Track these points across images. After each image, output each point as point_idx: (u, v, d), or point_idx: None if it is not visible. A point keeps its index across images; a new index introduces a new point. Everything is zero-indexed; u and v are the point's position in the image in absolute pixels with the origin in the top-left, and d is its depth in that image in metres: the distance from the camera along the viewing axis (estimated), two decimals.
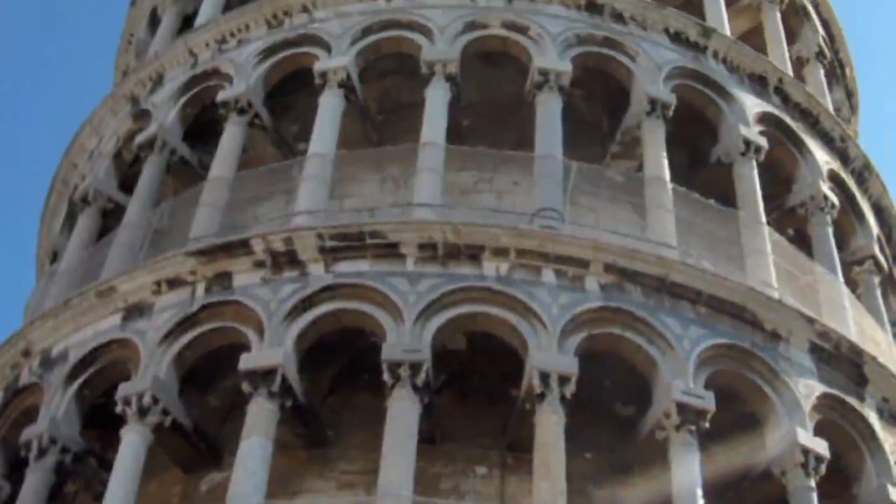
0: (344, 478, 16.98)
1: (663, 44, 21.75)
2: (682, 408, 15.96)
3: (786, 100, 22.22)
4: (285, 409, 16.04)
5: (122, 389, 16.51)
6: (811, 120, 22.36)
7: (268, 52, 21.58)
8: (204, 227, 18.59)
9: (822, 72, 25.58)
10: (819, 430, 16.82)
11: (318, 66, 20.62)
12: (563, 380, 15.78)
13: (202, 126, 21.46)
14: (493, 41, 21.18)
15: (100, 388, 17.33)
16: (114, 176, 22.01)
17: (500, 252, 17.02)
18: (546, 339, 16.19)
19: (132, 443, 16.11)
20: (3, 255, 57.15)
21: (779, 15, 25.20)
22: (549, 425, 15.51)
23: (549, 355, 16.01)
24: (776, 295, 17.91)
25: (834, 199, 21.31)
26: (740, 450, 17.21)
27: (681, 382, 16.16)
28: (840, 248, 21.01)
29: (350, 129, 20.30)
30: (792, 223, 21.10)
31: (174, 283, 17.55)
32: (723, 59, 22.02)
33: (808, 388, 17.12)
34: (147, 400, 16.28)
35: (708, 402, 16.14)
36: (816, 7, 26.69)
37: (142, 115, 22.18)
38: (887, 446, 17.46)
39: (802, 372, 17.31)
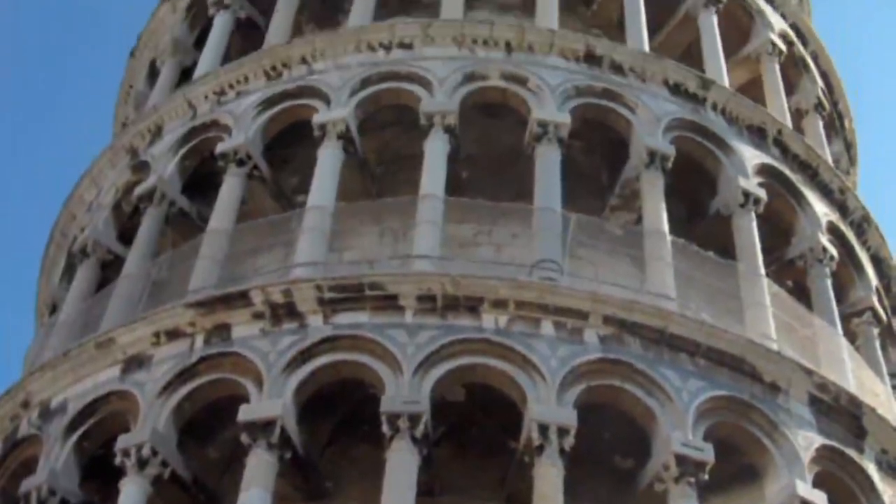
0: None
1: (662, 95, 22.09)
2: (681, 460, 16.23)
3: (785, 151, 22.59)
4: (284, 460, 16.33)
5: (122, 441, 16.80)
6: (810, 172, 22.74)
7: (267, 103, 21.93)
8: (203, 279, 18.94)
9: (821, 123, 25.95)
10: (818, 482, 17.07)
11: (317, 118, 20.99)
12: (563, 432, 16.08)
13: (201, 178, 21.85)
14: (493, 93, 21.59)
15: (99, 440, 17.60)
16: (113, 227, 22.38)
17: (499, 304, 17.35)
18: (545, 391, 16.48)
19: (131, 494, 16.38)
20: (2, 306, 57.48)
21: (778, 67, 25.55)
22: (549, 478, 15.79)
23: (548, 407, 16.30)
24: (775, 347, 18.23)
25: (833, 251, 21.67)
26: (740, 502, 17.54)
27: (680, 434, 16.44)
28: (839, 299, 21.36)
29: (349, 181, 20.66)
30: (791, 275, 21.46)
31: (173, 334, 17.86)
32: (722, 110, 22.38)
33: (808, 440, 17.39)
34: (146, 452, 16.57)
35: (707, 453, 16.42)
36: (815, 59, 27.08)
37: (141, 167, 22.56)
38: (886, 498, 17.70)
39: (801, 424, 17.58)
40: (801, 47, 26.83)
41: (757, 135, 22.47)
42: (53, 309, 22.58)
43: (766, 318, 18.99)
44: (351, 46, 22.37)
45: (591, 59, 22.17)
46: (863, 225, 23.21)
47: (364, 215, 20.34)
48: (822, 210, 22.24)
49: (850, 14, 66.20)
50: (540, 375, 16.66)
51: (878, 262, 23.29)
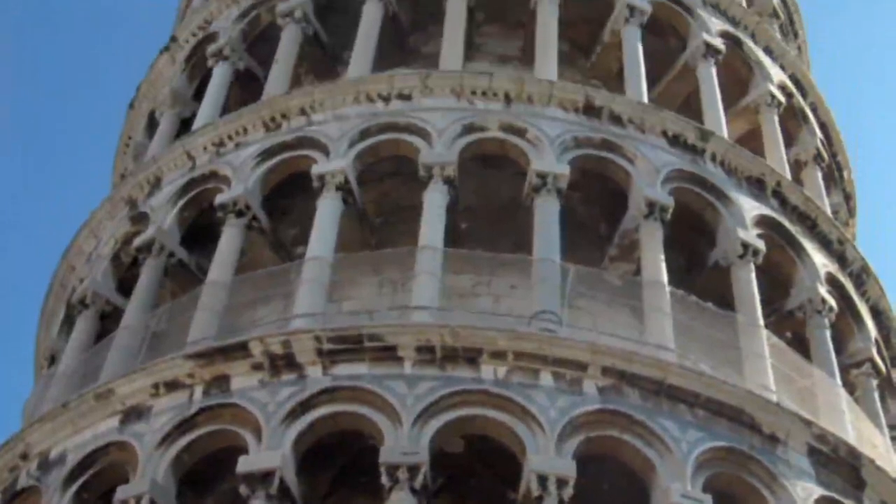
0: None
1: (661, 146, 22.34)
2: None
3: (784, 203, 22.87)
4: None
5: (121, 492, 17.00)
6: (809, 223, 23.01)
7: (266, 154, 22.20)
8: (202, 331, 19.22)
9: (820, 175, 26.19)
10: None
11: (315, 169, 21.27)
12: (561, 483, 16.31)
13: (200, 229, 22.13)
14: (491, 144, 21.87)
15: (98, 491, 17.82)
16: (112, 279, 22.64)
17: (498, 355, 17.62)
18: (544, 442, 16.72)
19: None
20: (1, 357, 57.76)
21: (777, 118, 25.79)
22: None
23: (547, 458, 16.53)
24: (774, 398, 18.50)
25: (832, 302, 21.95)
26: None
27: (679, 485, 16.65)
28: (838, 351, 21.60)
29: (348, 232, 20.96)
30: (790, 326, 21.75)
31: (172, 385, 18.12)
32: (721, 161, 22.62)
33: (807, 491, 17.62)
34: (145, 503, 16.74)
35: None
36: (815, 110, 27.36)
37: (140, 218, 22.83)
38: None
39: (800, 475, 17.81)
40: (800, 98, 27.10)
41: (756, 186, 22.74)
42: (52, 360, 22.75)
43: (765, 369, 19.27)
44: (350, 97, 22.62)
45: (591, 110, 22.42)
46: (862, 276, 23.46)
47: (363, 266, 20.65)
48: (821, 261, 22.52)
49: (849, 65, 66.92)
50: (539, 426, 16.89)
51: (877, 313, 23.53)
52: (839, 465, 18.32)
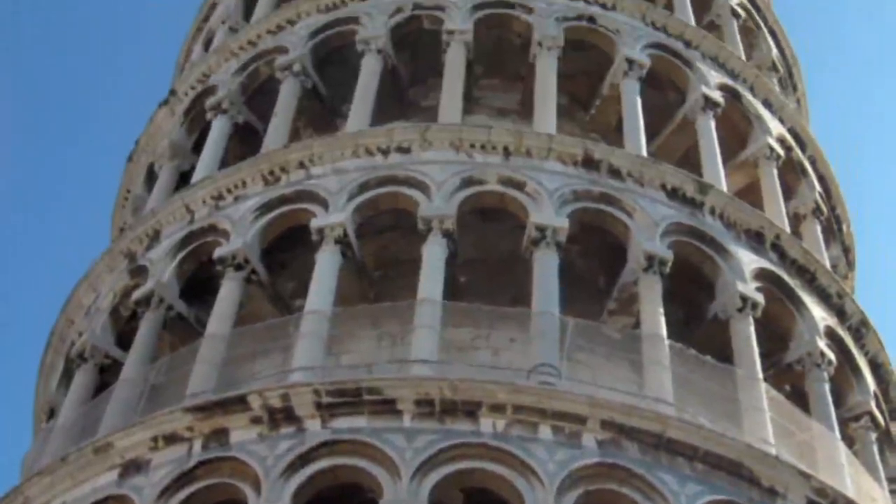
0: None
1: (660, 200, 22.60)
2: None
3: (783, 256, 23.14)
4: None
5: None
6: (808, 276, 23.29)
7: (265, 208, 22.47)
8: (201, 384, 19.48)
9: (819, 228, 26.43)
10: None
11: (314, 223, 21.53)
12: None
13: (199, 282, 22.41)
14: (490, 197, 22.17)
15: None
16: (111, 332, 22.87)
17: (497, 408, 17.85)
18: (543, 495, 16.89)
19: None
20: (0, 410, 57.99)
21: (776, 171, 26.04)
22: None
23: None
24: (773, 451, 18.70)
25: (831, 355, 22.20)
26: None
27: None
28: (837, 404, 21.80)
29: (347, 285, 21.24)
30: (789, 379, 22.05)
31: (171, 439, 18.32)
32: (720, 215, 22.90)
33: None
34: None
35: None
36: (813, 163, 27.65)
37: (139, 272, 23.05)
38: None
39: None
40: (799, 152, 27.39)
41: (755, 239, 23.02)
42: (51, 414, 22.95)
43: (764, 422, 19.49)
44: (349, 151, 22.90)
45: (589, 163, 22.69)
46: (861, 330, 23.70)
47: (362, 319, 20.91)
48: (820, 315, 22.77)
49: (849, 118, 67.49)
50: (538, 479, 17.07)
51: (876, 366, 23.73)
52: None
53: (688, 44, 27.39)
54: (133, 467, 18.32)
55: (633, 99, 25.38)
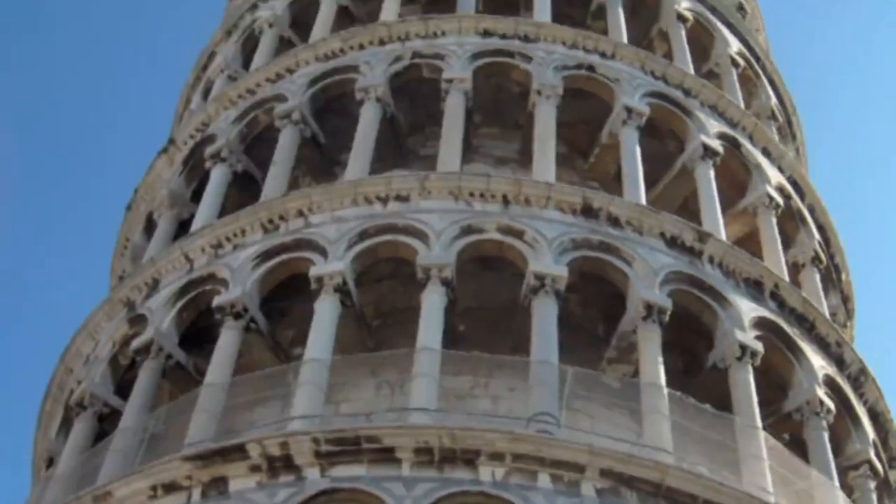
0: None
1: (659, 248, 22.87)
2: None
3: (782, 305, 23.39)
4: None
5: None
6: (807, 325, 23.54)
7: (263, 256, 22.73)
8: (200, 432, 19.71)
9: (818, 277, 26.65)
10: None
11: (313, 271, 21.78)
12: None
13: (198, 330, 22.67)
14: (489, 245, 22.42)
15: None
16: (110, 380, 23.11)
17: (496, 456, 18.04)
18: None
19: None
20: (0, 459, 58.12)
21: (775, 220, 26.28)
22: None
23: None
24: (772, 500, 18.94)
25: (830, 404, 22.39)
26: None
27: None
28: (836, 453, 22.01)
29: (346, 334, 21.48)
30: (788, 428, 22.25)
31: (170, 487, 18.53)
32: (719, 263, 23.16)
33: None
34: None
35: None
36: (812, 212, 27.91)
37: (138, 320, 23.31)
38: None
39: None
40: (798, 200, 27.63)
41: (754, 288, 23.26)
42: (50, 462, 23.12)
43: (763, 470, 19.68)
44: (348, 199, 23.16)
45: (588, 211, 22.95)
46: (860, 378, 23.92)
47: (361, 368, 21.17)
48: (819, 363, 22.98)
49: (848, 166, 67.98)
50: None
51: (875, 415, 23.92)
52: None
53: (687, 92, 27.69)
54: None
55: (632, 147, 25.61)
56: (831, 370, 23.31)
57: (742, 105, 29.32)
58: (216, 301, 22.22)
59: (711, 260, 23.23)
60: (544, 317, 20.98)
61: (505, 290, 22.11)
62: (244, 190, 26.29)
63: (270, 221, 23.41)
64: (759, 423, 20.69)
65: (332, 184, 24.45)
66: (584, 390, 20.27)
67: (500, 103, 27.20)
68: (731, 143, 27.14)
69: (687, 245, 23.21)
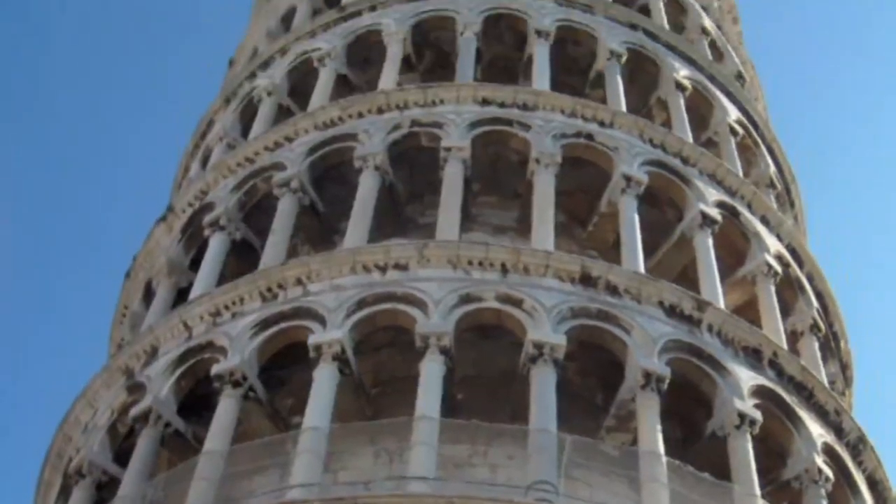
0: None
1: (658, 317, 23.19)
2: None
3: (780, 373, 23.69)
4: None
5: None
6: (806, 393, 23.81)
7: (262, 325, 23.05)
8: (199, 501, 19.98)
9: (816, 345, 26.94)
10: None
11: (312, 340, 22.10)
12: None
13: (197, 398, 22.94)
14: (488, 314, 22.75)
15: None
16: (108, 448, 23.34)
17: None
18: None
19: None
20: None
21: (773, 288, 26.61)
22: None
23: None
24: None
25: (828, 472, 22.65)
26: None
27: None
28: None
29: (344, 402, 21.77)
30: (787, 496, 22.46)
31: None
32: (718, 332, 23.48)
33: None
34: None
35: None
36: (811, 280, 28.27)
37: (136, 388, 23.56)
38: None
39: None
40: (796, 269, 27.97)
41: (753, 356, 23.57)
42: None
43: None
44: (346, 267, 23.48)
45: (587, 280, 23.28)
46: (858, 447, 24.15)
47: (360, 436, 21.38)
48: (817, 431, 23.22)
49: (846, 234, 68.48)
50: None
51: (873, 483, 24.13)
52: None
53: (686, 161, 28.06)
54: None
55: (630, 216, 25.95)
56: (830, 438, 23.55)
57: (741, 173, 29.68)
58: (215, 369, 22.50)
59: (710, 328, 23.54)
60: (543, 385, 21.26)
61: (503, 358, 22.42)
62: (243, 258, 26.58)
63: (269, 290, 23.72)
64: (758, 492, 20.94)
65: (331, 252, 24.76)
66: (583, 459, 20.49)
67: (498, 172, 27.57)
68: (730, 212, 27.48)
69: (686, 313, 23.52)
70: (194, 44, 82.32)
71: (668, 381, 21.97)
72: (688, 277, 25.70)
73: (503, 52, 31.76)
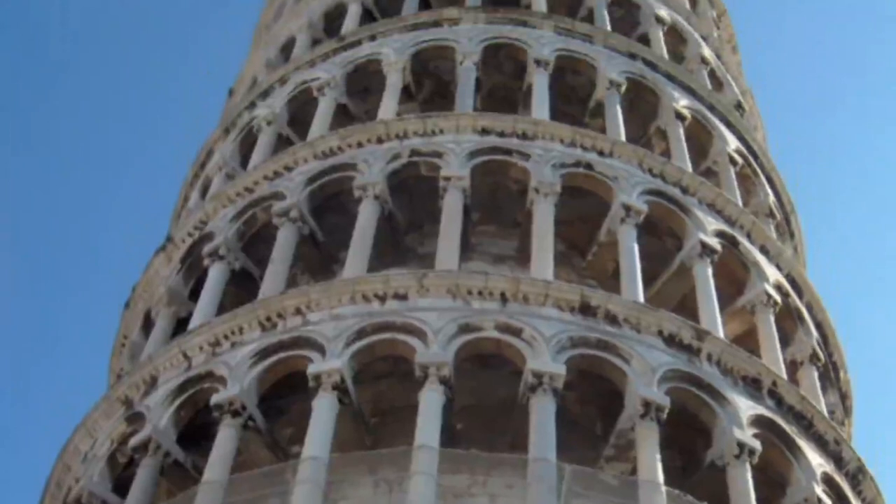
0: None
1: (657, 346, 23.31)
2: None
3: (780, 403, 23.80)
4: None
5: None
6: (805, 423, 23.91)
7: (262, 354, 23.17)
8: None
9: (816, 374, 27.04)
10: None
11: (311, 369, 22.20)
12: None
13: (196, 428, 23.06)
14: (487, 343, 22.88)
15: None
16: (108, 478, 23.43)
17: None
18: None
19: None
20: None
21: (773, 318, 26.72)
22: None
23: None
24: None
25: (828, 502, 22.77)
26: None
27: None
28: None
29: (344, 432, 21.87)
30: None
31: None
32: (717, 361, 23.60)
33: None
34: None
35: None
36: (810, 310, 28.39)
37: (136, 418, 23.68)
38: None
39: None
40: (796, 298, 28.11)
41: (752, 386, 23.69)
42: None
43: None
44: (346, 297, 23.59)
45: (586, 309, 23.43)
46: (858, 476, 24.23)
47: (359, 466, 21.42)
48: (817, 461, 23.32)
49: (846, 263, 68.72)
50: None
51: None
52: None
53: (685, 190, 28.24)
54: None
55: (630, 245, 26.09)
56: (829, 468, 23.64)
57: (740, 203, 29.82)
58: (214, 399, 22.59)
59: (710, 358, 23.66)
60: (542, 414, 21.37)
61: (503, 387, 22.55)
62: (242, 287, 26.71)
63: (268, 319, 23.86)
64: None
65: (331, 282, 24.87)
66: (582, 488, 20.55)
67: (498, 201, 27.74)
68: (729, 241, 27.61)
69: (685, 343, 23.64)
70: (194, 73, 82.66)
71: (667, 410, 22.06)
72: (687, 307, 25.80)
73: (503, 82, 31.99)
